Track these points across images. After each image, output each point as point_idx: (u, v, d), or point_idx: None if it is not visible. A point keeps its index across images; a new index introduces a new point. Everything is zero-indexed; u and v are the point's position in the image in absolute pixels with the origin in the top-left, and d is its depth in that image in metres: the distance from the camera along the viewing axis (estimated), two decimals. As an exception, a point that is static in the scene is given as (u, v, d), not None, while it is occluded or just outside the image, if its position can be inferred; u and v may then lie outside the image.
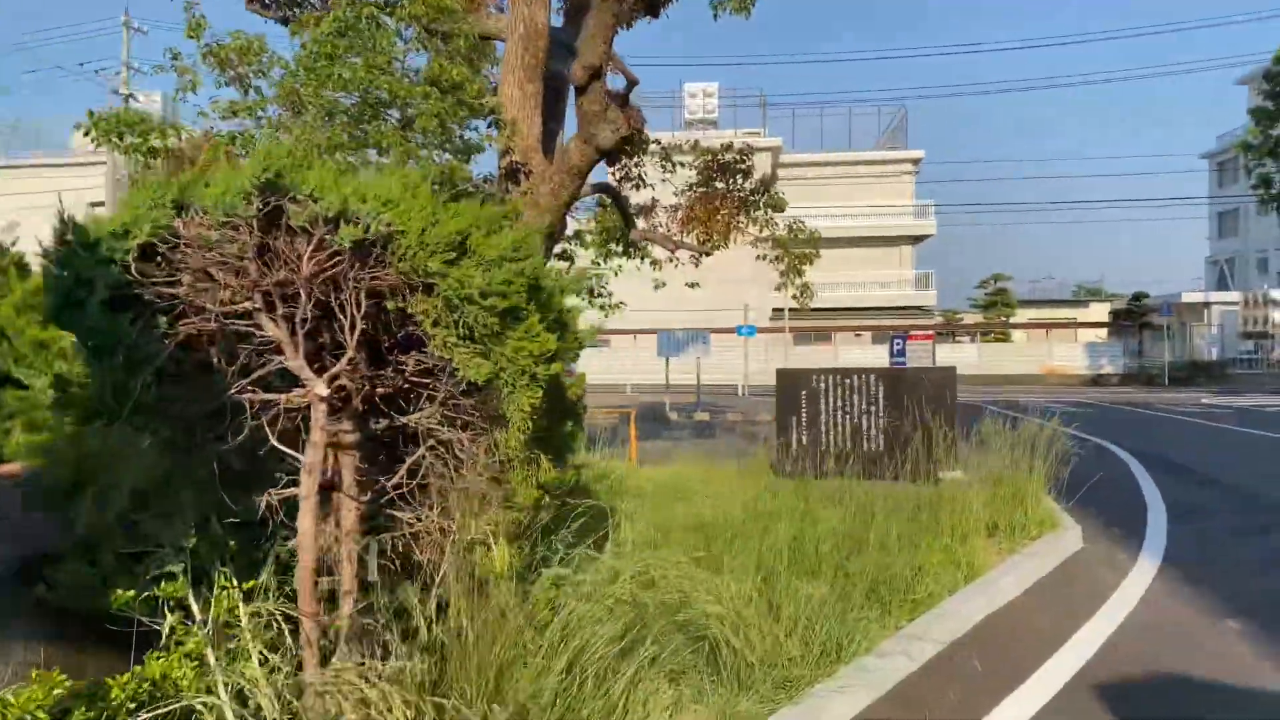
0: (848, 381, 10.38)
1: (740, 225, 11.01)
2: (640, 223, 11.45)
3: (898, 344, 32.63)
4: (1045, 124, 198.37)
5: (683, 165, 11.54)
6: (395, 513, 3.74)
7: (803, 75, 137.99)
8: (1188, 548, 8.88)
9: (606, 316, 42.64)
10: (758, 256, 12.66)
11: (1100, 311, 58.23)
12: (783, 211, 11.71)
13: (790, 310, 52.92)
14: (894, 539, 7.75)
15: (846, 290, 53.26)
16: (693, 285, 13.27)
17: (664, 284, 13.58)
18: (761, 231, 12.05)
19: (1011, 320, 53.24)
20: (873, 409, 10.35)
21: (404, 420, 3.70)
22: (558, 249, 12.75)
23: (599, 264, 12.72)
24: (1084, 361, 42.59)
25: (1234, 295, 54.82)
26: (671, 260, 12.40)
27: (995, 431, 10.52)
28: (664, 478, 10.88)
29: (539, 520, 4.10)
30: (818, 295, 53.29)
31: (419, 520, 3.76)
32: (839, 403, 10.41)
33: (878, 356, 43.75)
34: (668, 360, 23.17)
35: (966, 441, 10.57)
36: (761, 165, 48.44)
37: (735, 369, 37.50)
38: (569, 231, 12.76)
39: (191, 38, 8.31)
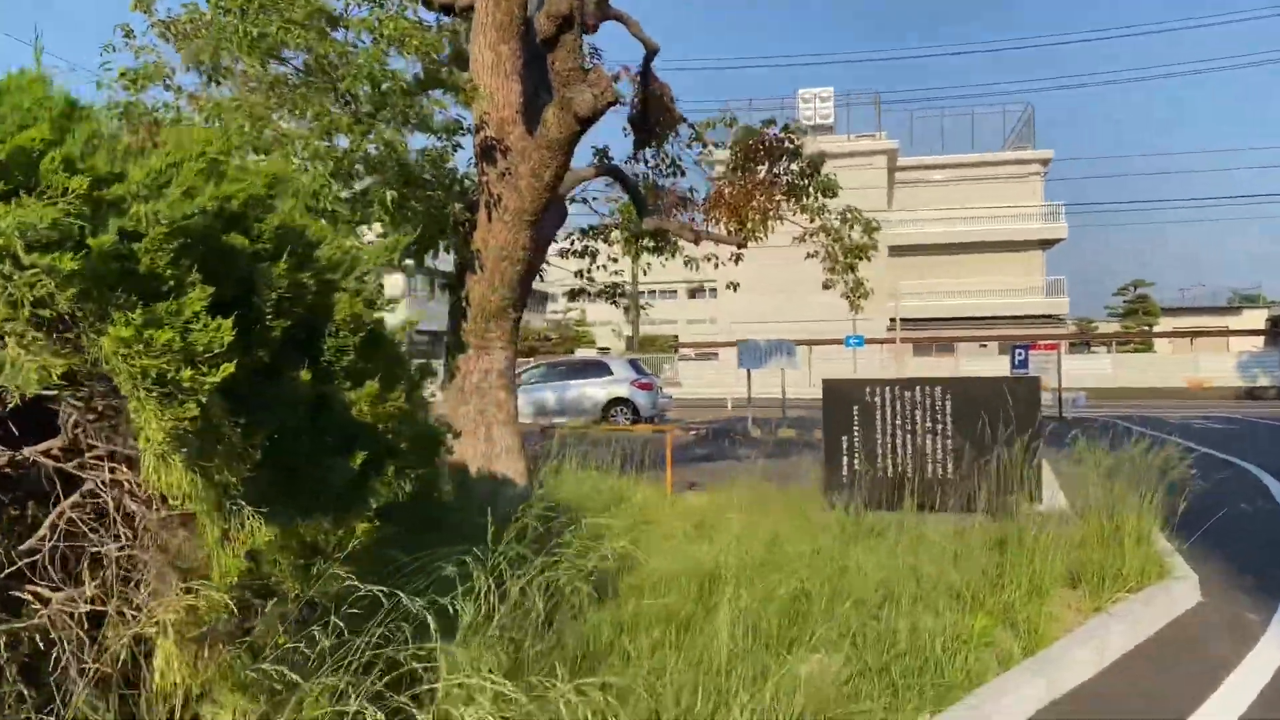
0: (908, 394, 8.73)
1: (780, 213, 9.50)
2: (682, 217, 10.10)
3: (1019, 354, 30.07)
4: (1190, 114, 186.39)
5: (719, 145, 10.12)
6: (24, 592, 2.51)
7: (922, 72, 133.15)
8: (1343, 609, 6.92)
9: (635, 315, 40.63)
10: (808, 255, 11.04)
11: (1256, 319, 53.30)
12: (835, 196, 10.13)
13: (914, 320, 50.36)
14: (941, 591, 6.15)
15: (971, 298, 50.31)
16: (733, 286, 11.74)
17: (729, 286, 12.11)
18: (812, 221, 10.48)
19: (1153, 329, 49.18)
20: (939, 427, 8.67)
21: (30, 452, 2.46)
22: (567, 240, 11.47)
23: (619, 261, 11.40)
24: (1235, 373, 38.63)
25: None
26: (710, 259, 11.00)
27: (1101, 452, 8.73)
28: (697, 508, 9.46)
29: (285, 604, 2.78)
30: (933, 302, 50.56)
31: (70, 601, 2.51)
32: (898, 420, 8.77)
33: (1004, 369, 40.89)
34: (749, 372, 21.69)
35: (1061, 461, 8.79)
36: (877, 170, 46.01)
37: (844, 382, 35.66)
38: (585, 224, 11.55)
39: (140, 10, 7.43)
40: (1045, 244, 51.65)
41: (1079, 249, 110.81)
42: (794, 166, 9.72)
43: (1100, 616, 6.29)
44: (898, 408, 8.73)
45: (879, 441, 8.79)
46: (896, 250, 50.72)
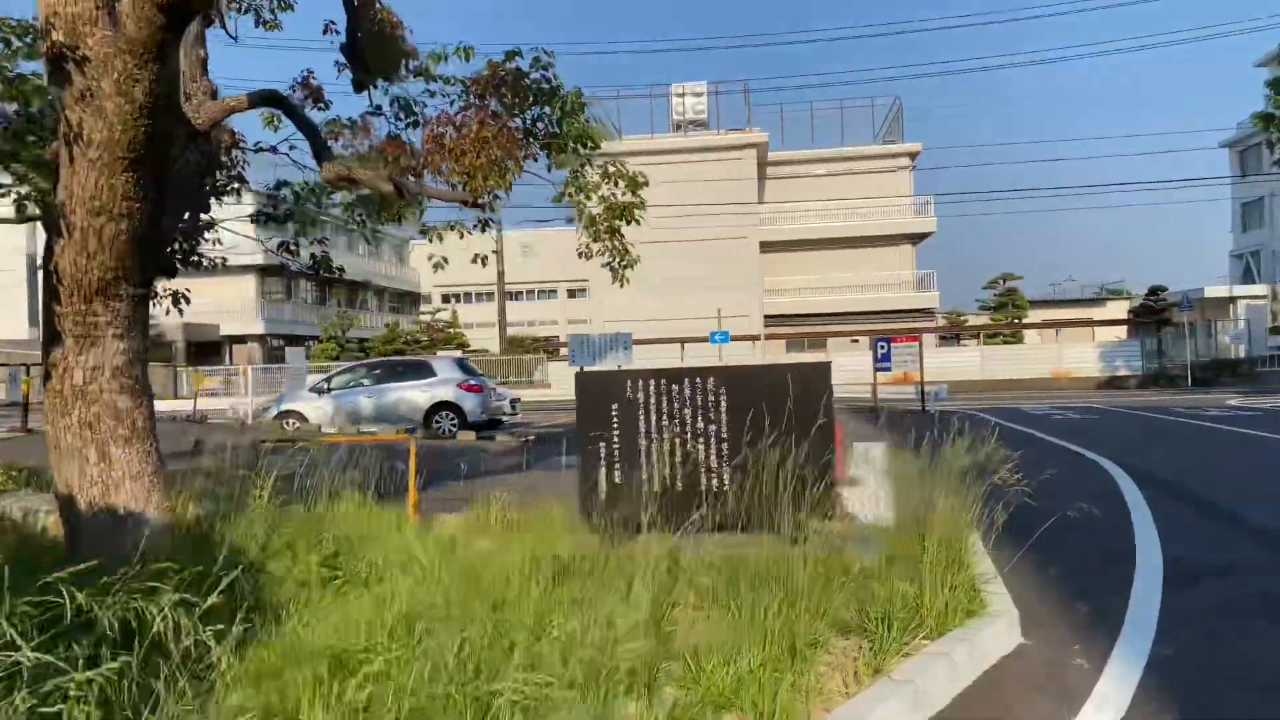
0: (675, 388, 6.98)
1: (524, 166, 7.67)
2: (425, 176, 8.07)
3: (881, 347, 29.11)
4: (1059, 104, 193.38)
5: (452, 83, 8.16)
6: None
7: (792, 63, 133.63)
8: (1192, 643, 5.43)
9: (501, 315, 38.86)
10: (568, 220, 9.17)
11: (1119, 310, 54.35)
12: (596, 148, 8.38)
13: (783, 316, 49.49)
14: (660, 652, 4.40)
15: (843, 294, 49.77)
16: (480, 260, 9.76)
17: (485, 257, 10.06)
18: (573, 189, 8.60)
19: (1023, 321, 49.46)
20: (713, 428, 6.95)
21: None
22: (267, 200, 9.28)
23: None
24: (1097, 363, 38.73)
25: (1261, 289, 50.84)
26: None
27: (916, 453, 7.20)
28: (440, 536, 7.56)
29: None
30: (806, 298, 49.84)
31: None
32: (665, 420, 7.02)
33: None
34: (581, 369, 19.84)
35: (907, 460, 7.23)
36: (747, 164, 44.76)
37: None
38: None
39: None
40: (915, 238, 51.50)
41: (950, 243, 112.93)
42: (548, 110, 7.91)
43: (878, 685, 4.60)
44: (664, 405, 6.97)
45: (643, 447, 7.01)
46: (768, 246, 49.86)
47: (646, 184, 8.59)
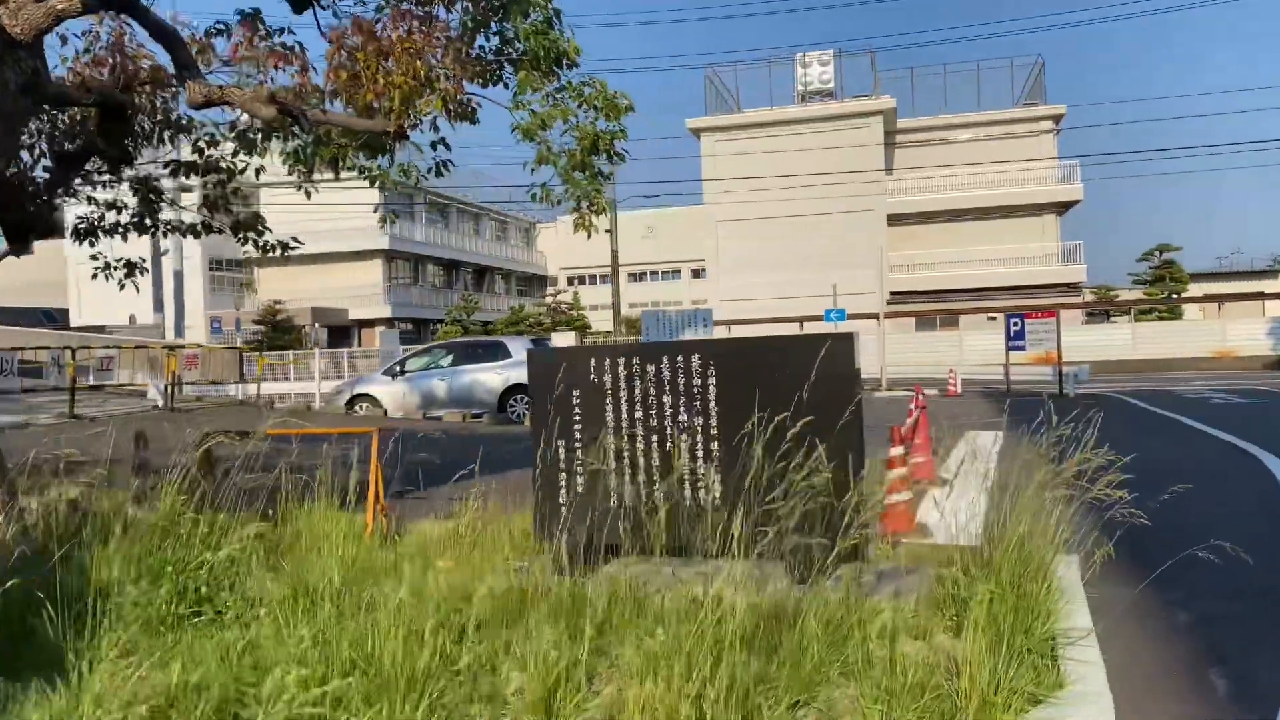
0: (652, 369, 5.34)
1: (460, 81, 6.07)
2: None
3: (1014, 324, 26.41)
4: (1228, 48, 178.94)
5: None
6: None
7: (922, 22, 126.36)
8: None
9: (615, 296, 36.62)
10: (526, 165, 7.40)
11: (1296, 282, 48.88)
12: (574, 66, 6.67)
13: (912, 294, 46.51)
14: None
15: (978, 268, 46.36)
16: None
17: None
18: (527, 107, 6.86)
19: (1182, 296, 44.95)
20: (700, 421, 5.28)
21: None
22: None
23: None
24: (1267, 341, 34.48)
25: None
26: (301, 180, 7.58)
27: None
28: (392, 554, 6.19)
29: None
30: (937, 274, 46.62)
31: None
32: (640, 411, 5.39)
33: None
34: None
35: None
36: (873, 132, 42.08)
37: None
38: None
39: None
40: (1060, 207, 47.50)
41: (1099, 213, 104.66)
42: (507, 27, 6.31)
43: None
44: (639, 391, 5.34)
45: (612, 447, 5.41)
46: (896, 219, 46.93)
47: (631, 109, 6.92)
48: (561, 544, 5.33)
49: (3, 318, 54.12)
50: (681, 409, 5.27)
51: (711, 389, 5.21)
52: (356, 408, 18.79)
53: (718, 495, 5.19)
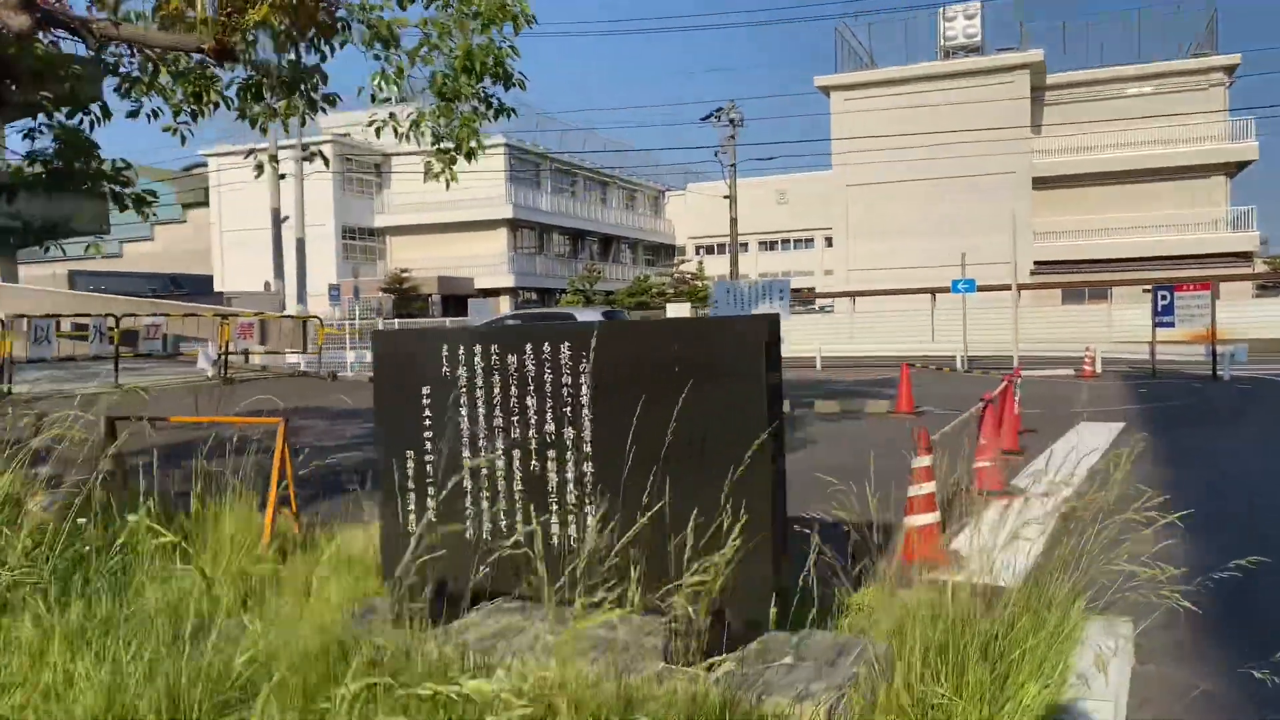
0: (515, 359, 3.96)
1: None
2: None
3: (1162, 298, 23.52)
4: None
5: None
6: None
7: None
8: None
9: (733, 266, 35.00)
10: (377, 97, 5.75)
11: None
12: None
13: (1059, 264, 42.88)
14: None
15: (1136, 235, 42.35)
16: (443, 177, 6.25)
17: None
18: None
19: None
20: (571, 433, 3.88)
21: None
22: None
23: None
24: None
25: None
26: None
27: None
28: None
29: None
30: (1090, 241, 42.84)
31: None
32: (501, 417, 4.03)
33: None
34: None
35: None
36: (1018, 88, 38.80)
37: (957, 336, 29.32)
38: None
39: None
40: (1231, 168, 42.77)
41: (1277, 175, 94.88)
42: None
43: None
44: (497, 389, 3.98)
45: (468, 464, 4.08)
46: (1042, 182, 43.35)
47: (530, 18, 5.40)
48: (405, 586, 4.06)
49: (131, 284, 56.86)
50: (549, 416, 3.88)
51: (584, 390, 3.80)
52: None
53: (592, 531, 3.80)
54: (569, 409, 3.83)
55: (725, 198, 44.96)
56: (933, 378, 20.39)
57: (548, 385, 3.86)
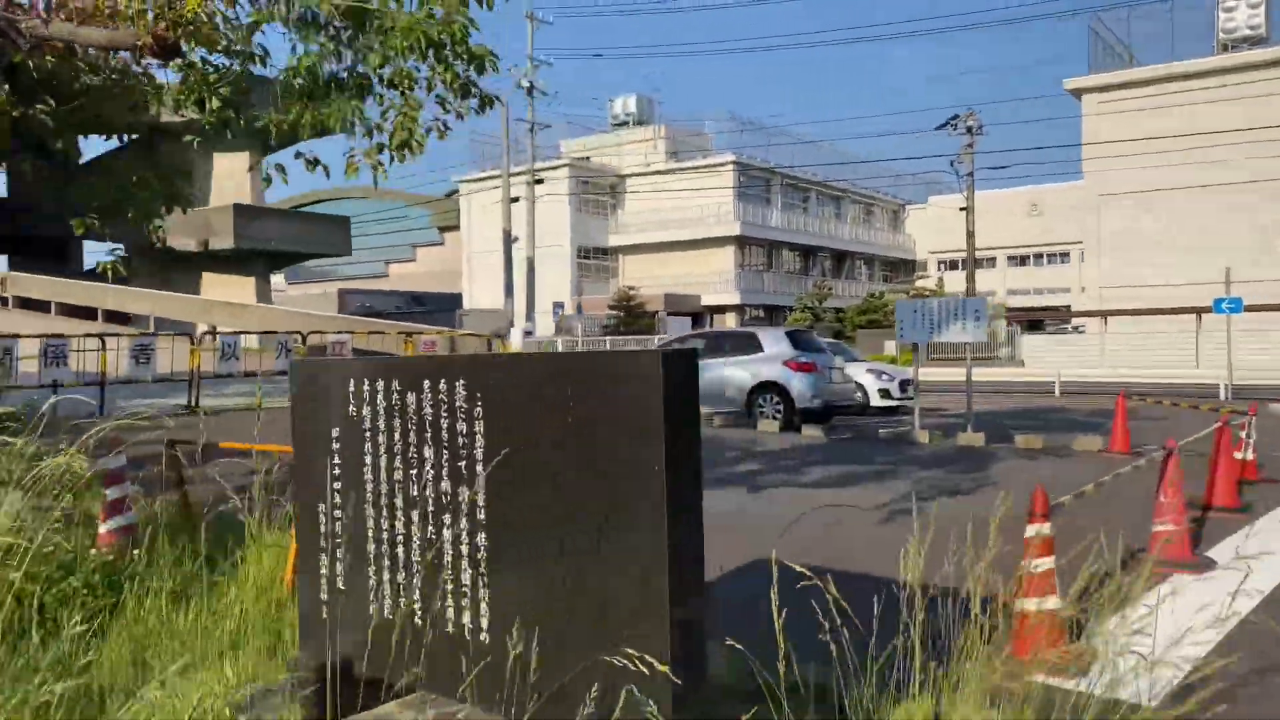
0: (413, 399, 3.21)
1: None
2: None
3: None
4: None
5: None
6: None
7: None
8: None
9: (970, 282, 32.07)
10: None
11: None
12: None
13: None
14: None
15: None
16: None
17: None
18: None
19: None
20: (465, 493, 3.08)
21: None
22: None
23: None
24: None
25: None
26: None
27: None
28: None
29: None
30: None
31: None
32: (400, 467, 3.29)
33: None
34: (918, 348, 14.89)
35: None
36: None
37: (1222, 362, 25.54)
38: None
39: None
40: None
41: None
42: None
43: None
44: (398, 436, 3.27)
45: (370, 519, 3.40)
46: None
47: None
48: (303, 668, 3.42)
49: (387, 301, 60.96)
50: (444, 470, 3.11)
51: (479, 440, 2.99)
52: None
53: (485, 618, 2.99)
54: (464, 464, 3.04)
55: (962, 209, 42.27)
56: (1169, 410, 17.66)
57: (444, 433, 3.09)
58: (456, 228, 66.42)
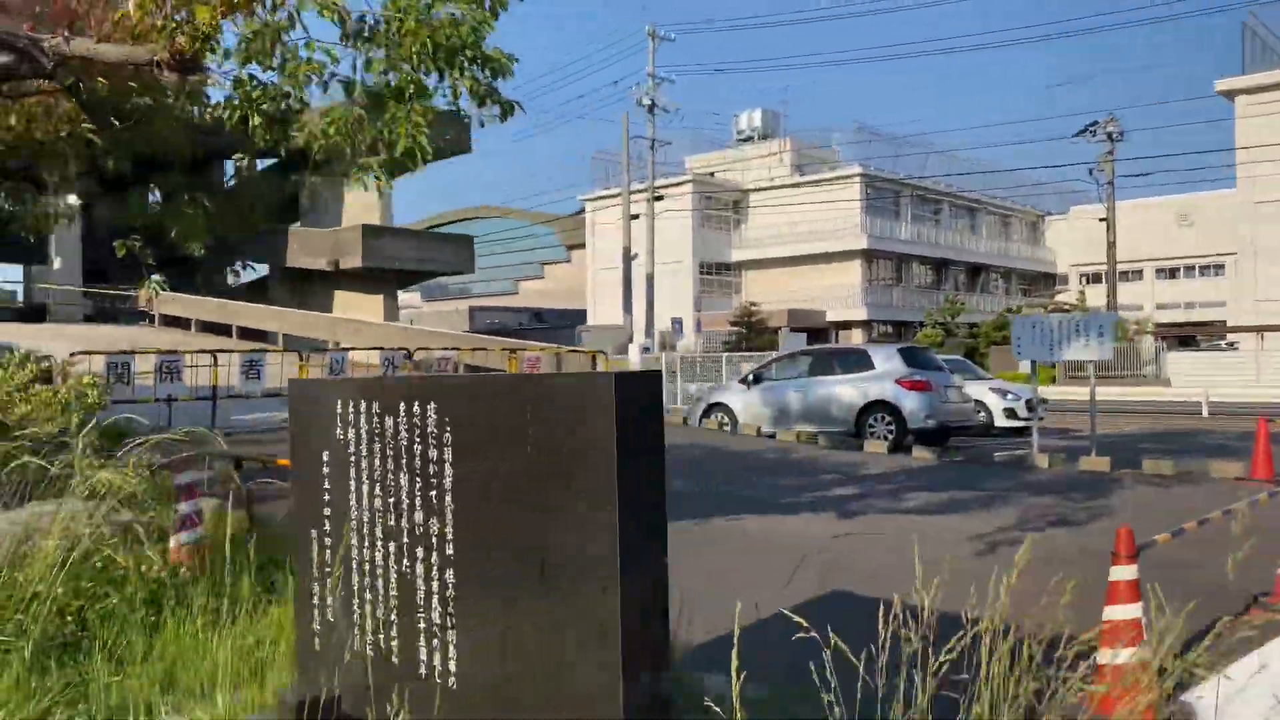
0: (390, 425, 3.01)
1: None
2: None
3: None
4: None
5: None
6: None
7: None
8: None
9: (1111, 296, 30.54)
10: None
11: None
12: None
13: None
14: None
15: None
16: None
17: None
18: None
19: None
20: (436, 521, 2.87)
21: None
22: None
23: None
24: None
25: None
26: None
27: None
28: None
29: None
30: None
31: None
32: (379, 493, 3.10)
33: None
34: (1034, 365, 13.82)
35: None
36: None
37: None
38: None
39: None
40: None
41: None
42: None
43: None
44: (378, 461, 3.09)
45: (355, 554, 3.22)
46: None
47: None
48: (291, 704, 3.27)
49: (513, 318, 62.02)
50: (417, 500, 2.90)
51: (447, 468, 2.77)
52: (710, 418, 17.29)
53: (453, 662, 2.76)
54: (435, 493, 2.82)
55: (1101, 220, 40.18)
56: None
57: (417, 460, 2.89)
58: (583, 245, 67.22)
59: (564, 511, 2.37)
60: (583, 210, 66.09)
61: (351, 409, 3.16)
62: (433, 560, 2.83)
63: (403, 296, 72.35)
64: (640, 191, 43.13)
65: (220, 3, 4.17)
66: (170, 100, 6.12)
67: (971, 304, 58.11)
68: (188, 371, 13.81)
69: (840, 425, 15.68)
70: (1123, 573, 4.14)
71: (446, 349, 17.73)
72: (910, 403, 15.07)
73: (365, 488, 3.11)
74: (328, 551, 3.31)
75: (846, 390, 15.67)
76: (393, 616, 2.99)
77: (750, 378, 17.18)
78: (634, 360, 31.48)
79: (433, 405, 2.81)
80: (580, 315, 62.08)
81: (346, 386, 3.24)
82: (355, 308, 35.06)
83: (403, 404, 2.93)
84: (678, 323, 39.42)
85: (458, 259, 37.69)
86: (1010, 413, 18.87)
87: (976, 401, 19.55)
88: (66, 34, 5.10)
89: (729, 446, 13.78)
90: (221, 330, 29.42)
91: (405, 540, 2.94)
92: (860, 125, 67.50)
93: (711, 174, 62.01)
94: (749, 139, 64.66)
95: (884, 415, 15.29)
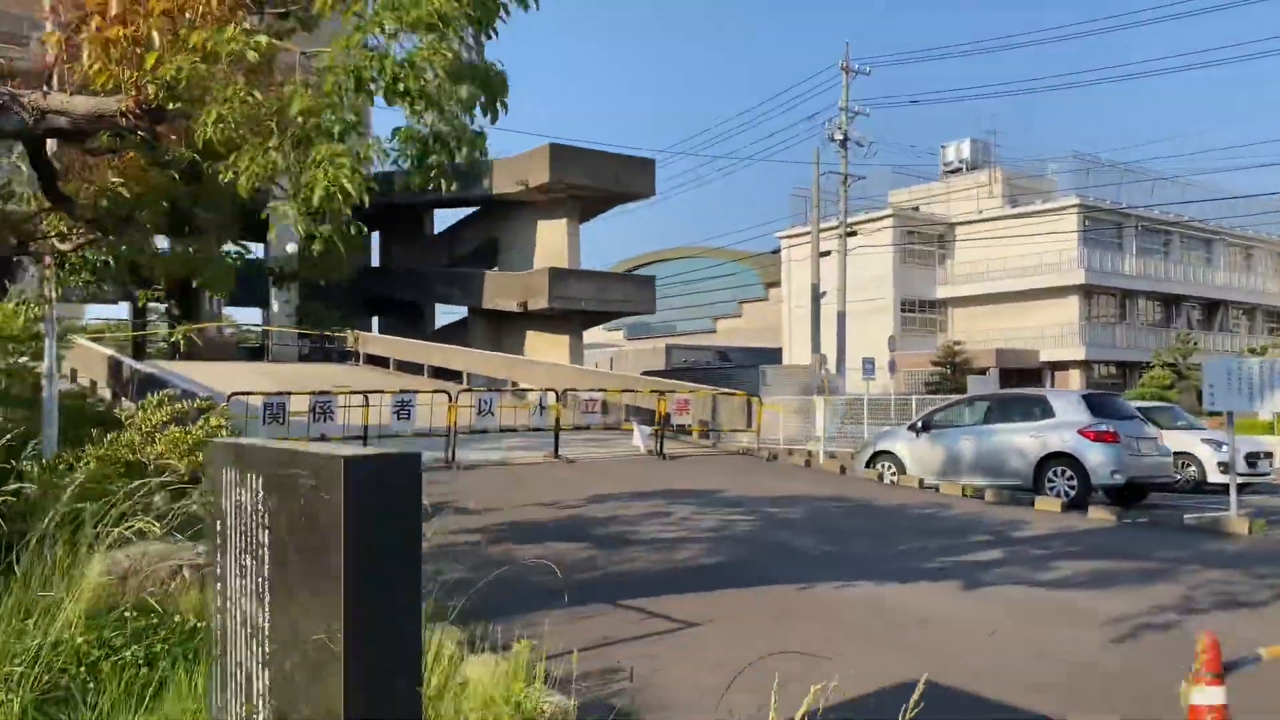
0: (246, 498, 2.76)
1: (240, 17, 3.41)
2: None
3: None
4: None
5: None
6: None
7: None
8: None
9: None
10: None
11: None
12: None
13: None
14: None
15: None
16: None
17: None
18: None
19: None
20: (256, 602, 2.58)
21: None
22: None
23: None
24: None
25: None
26: None
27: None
28: None
29: None
30: None
31: None
32: (233, 562, 2.85)
33: None
34: (1230, 415, 11.52)
35: None
36: None
37: None
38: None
39: None
40: None
41: None
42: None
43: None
44: (243, 531, 2.85)
45: (225, 617, 3.00)
46: None
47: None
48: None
49: (704, 356, 61.76)
50: (256, 579, 2.62)
51: (265, 548, 2.49)
52: (874, 467, 16.30)
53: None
54: (262, 575, 2.54)
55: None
56: None
57: (254, 532, 2.62)
58: (779, 284, 66.54)
59: (309, 590, 2.03)
60: (780, 249, 65.48)
61: (226, 476, 2.94)
62: (256, 648, 2.54)
63: (607, 335, 73.92)
64: (833, 228, 42.17)
65: (187, 53, 4.14)
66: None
67: (1208, 343, 52.93)
68: (340, 411, 14.44)
69: (1015, 479, 14.35)
70: (1206, 696, 3.28)
71: (593, 390, 17.69)
72: (1094, 455, 13.59)
73: (230, 558, 2.88)
74: (218, 616, 3.10)
75: (1023, 440, 14.34)
76: (260, 700, 2.72)
77: (919, 424, 16.06)
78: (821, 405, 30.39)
79: (257, 476, 2.54)
80: (772, 354, 61.23)
81: (228, 452, 3.02)
82: (544, 346, 36.02)
83: (251, 474, 2.67)
84: (869, 363, 37.91)
85: (639, 298, 38.08)
86: (1225, 466, 16.74)
87: (1184, 454, 17.54)
88: (45, 89, 5.34)
89: (876, 500, 12.84)
90: (415, 369, 30.90)
91: (254, 621, 2.67)
92: (1076, 153, 63.36)
93: (915, 208, 59.92)
94: (956, 170, 62.08)
95: (1064, 469, 13.87)
